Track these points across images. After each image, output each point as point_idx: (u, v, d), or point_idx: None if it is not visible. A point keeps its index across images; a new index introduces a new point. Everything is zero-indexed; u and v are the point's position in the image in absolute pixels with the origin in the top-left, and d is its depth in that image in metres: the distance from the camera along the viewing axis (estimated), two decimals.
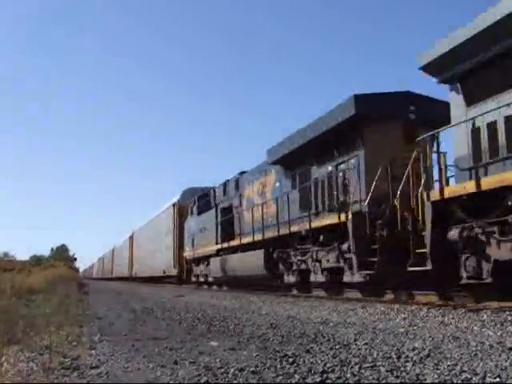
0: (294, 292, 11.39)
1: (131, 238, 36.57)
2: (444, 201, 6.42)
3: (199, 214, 17.90)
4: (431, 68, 6.95)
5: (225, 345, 3.80)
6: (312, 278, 9.90)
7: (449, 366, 2.78)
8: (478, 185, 5.85)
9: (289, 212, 10.76)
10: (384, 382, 2.50)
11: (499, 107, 5.91)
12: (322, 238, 9.37)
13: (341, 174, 9.23)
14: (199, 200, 18.40)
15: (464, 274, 6.12)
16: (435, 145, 7.07)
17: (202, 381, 2.60)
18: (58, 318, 5.10)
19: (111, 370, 2.95)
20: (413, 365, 2.84)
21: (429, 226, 6.54)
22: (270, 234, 11.53)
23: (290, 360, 3.07)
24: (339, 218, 8.55)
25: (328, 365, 2.89)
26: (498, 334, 4.09)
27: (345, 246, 8.50)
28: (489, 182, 5.79)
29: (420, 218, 6.94)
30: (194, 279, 18.68)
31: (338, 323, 5.20)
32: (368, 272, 7.71)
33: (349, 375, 2.63)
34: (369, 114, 8.57)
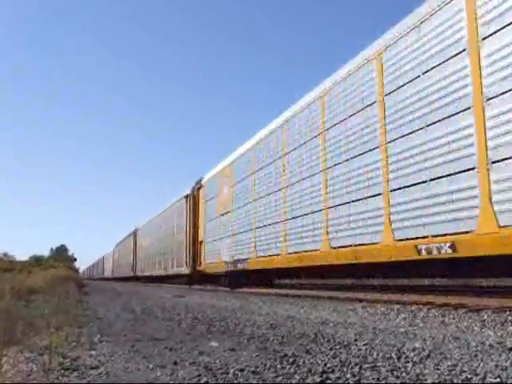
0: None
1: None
2: None
3: None
4: None
5: (225, 345, 3.79)
6: None
7: (449, 366, 2.78)
8: None
9: None
10: (384, 382, 2.49)
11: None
12: None
13: None
14: None
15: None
16: None
17: (202, 381, 2.59)
18: (58, 318, 5.09)
19: (111, 370, 2.94)
20: (413, 365, 2.84)
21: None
22: None
23: (290, 360, 3.07)
24: None
25: (328, 365, 2.89)
26: (499, 334, 4.09)
27: None
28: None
29: None
30: None
31: (338, 323, 5.19)
32: None
33: (349, 375, 2.63)
34: None
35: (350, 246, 8.10)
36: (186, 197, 19.61)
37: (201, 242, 17.74)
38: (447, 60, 6.27)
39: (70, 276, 24.81)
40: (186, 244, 19.36)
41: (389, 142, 7.27)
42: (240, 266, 13.27)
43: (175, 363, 3.11)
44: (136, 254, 33.43)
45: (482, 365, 2.80)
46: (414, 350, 3.35)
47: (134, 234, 34.76)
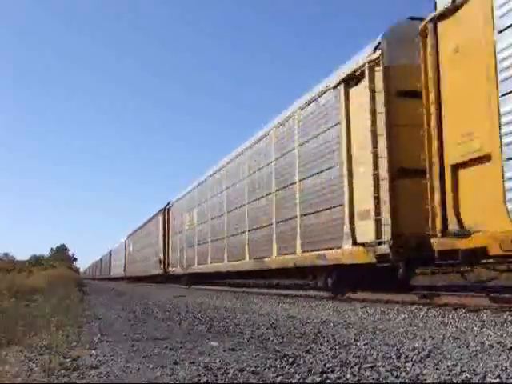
0: None
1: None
2: None
3: None
4: None
5: (225, 345, 3.80)
6: None
7: (449, 366, 2.78)
8: None
9: None
10: (384, 382, 2.50)
11: None
12: None
13: None
14: None
15: None
16: None
17: (202, 381, 2.60)
18: (58, 318, 5.10)
19: (111, 370, 2.94)
20: (413, 365, 2.84)
21: None
22: None
23: (290, 360, 3.07)
24: None
25: (328, 365, 2.89)
26: (498, 334, 4.09)
27: None
28: None
29: None
30: None
31: (338, 323, 5.20)
32: None
33: (349, 375, 2.63)
34: None
35: None
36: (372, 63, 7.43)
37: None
38: None
39: (70, 276, 24.85)
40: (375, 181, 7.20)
41: None
42: None
43: (175, 363, 3.11)
44: (168, 242, 22.13)
45: (481, 365, 2.80)
46: (413, 349, 3.35)
47: (165, 212, 23.15)
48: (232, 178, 14.03)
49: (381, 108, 7.14)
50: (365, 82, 7.51)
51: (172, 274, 21.41)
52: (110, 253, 48.34)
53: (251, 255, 12.06)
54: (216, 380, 2.62)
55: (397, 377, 2.57)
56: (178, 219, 20.76)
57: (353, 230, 7.71)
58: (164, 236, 22.94)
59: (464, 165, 5.79)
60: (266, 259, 11.08)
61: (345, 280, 8.55)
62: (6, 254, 35.30)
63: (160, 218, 23.92)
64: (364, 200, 7.42)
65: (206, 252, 16.23)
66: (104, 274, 52.37)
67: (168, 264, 22.02)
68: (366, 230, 7.36)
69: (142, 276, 28.93)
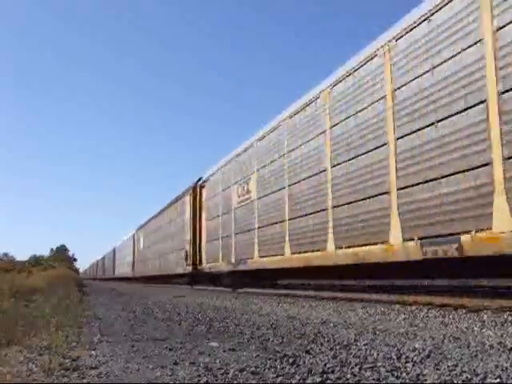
0: None
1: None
2: None
3: None
4: None
5: (225, 345, 3.79)
6: None
7: (449, 366, 2.77)
8: None
9: None
10: (384, 382, 2.49)
11: None
12: None
13: None
14: None
15: None
16: None
17: (202, 381, 2.59)
18: (58, 318, 5.09)
19: (111, 370, 2.94)
20: (413, 365, 2.84)
21: None
22: None
23: (290, 360, 3.06)
24: None
25: (328, 365, 2.88)
26: (499, 334, 4.09)
27: None
28: None
29: None
30: None
31: (338, 324, 5.19)
32: None
33: (349, 376, 2.63)
34: None
35: None
36: None
37: None
38: None
39: (70, 276, 24.86)
40: None
41: None
42: None
43: (175, 363, 3.11)
44: (200, 230, 16.47)
45: (482, 365, 2.79)
46: (414, 350, 3.35)
47: (195, 191, 17.24)
48: (345, 109, 8.16)
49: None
50: None
51: (208, 272, 15.43)
52: (114, 250, 43.25)
53: (407, 234, 6.54)
54: (216, 380, 2.61)
55: (397, 377, 2.57)
56: (219, 197, 14.88)
57: None
58: (194, 222, 17.07)
59: None
60: (464, 237, 5.54)
61: None
62: (5, 254, 35.31)
63: (187, 199, 17.89)
64: None
65: (278, 238, 10.43)
66: (107, 273, 47.80)
67: (200, 260, 16.26)
68: None
69: (158, 276, 23.59)
